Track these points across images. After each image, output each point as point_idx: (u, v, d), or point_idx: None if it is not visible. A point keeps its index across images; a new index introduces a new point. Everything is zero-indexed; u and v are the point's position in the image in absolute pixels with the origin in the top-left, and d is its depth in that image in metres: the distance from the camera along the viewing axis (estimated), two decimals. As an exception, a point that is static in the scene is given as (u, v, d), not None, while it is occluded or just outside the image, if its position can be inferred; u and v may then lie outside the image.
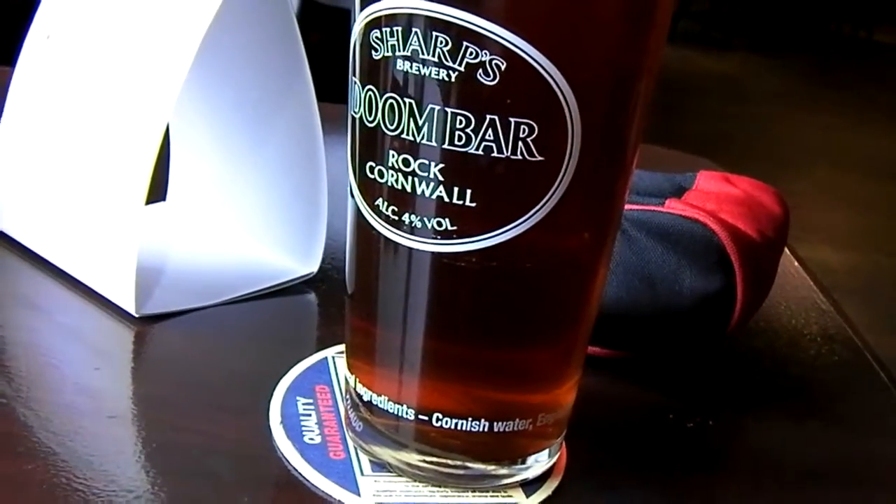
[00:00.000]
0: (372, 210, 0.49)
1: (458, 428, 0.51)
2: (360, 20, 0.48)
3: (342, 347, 0.64)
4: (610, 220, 0.51)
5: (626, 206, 0.65)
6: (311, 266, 0.73)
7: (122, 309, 0.67)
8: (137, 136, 0.66)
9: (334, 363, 0.62)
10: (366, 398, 0.53)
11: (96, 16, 0.71)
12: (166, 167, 0.83)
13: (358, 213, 0.50)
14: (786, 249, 0.90)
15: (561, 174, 0.46)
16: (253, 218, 0.77)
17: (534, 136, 0.45)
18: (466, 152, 0.46)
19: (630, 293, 0.63)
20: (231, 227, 0.78)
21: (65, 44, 0.73)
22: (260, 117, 0.74)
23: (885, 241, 4.95)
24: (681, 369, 0.68)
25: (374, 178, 0.49)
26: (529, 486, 0.54)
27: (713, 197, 0.68)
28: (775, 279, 0.72)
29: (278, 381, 0.61)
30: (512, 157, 0.46)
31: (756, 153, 5.80)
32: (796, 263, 0.92)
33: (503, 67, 0.45)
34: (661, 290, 0.63)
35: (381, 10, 0.47)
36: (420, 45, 0.46)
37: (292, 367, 0.62)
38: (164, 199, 0.83)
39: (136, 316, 0.66)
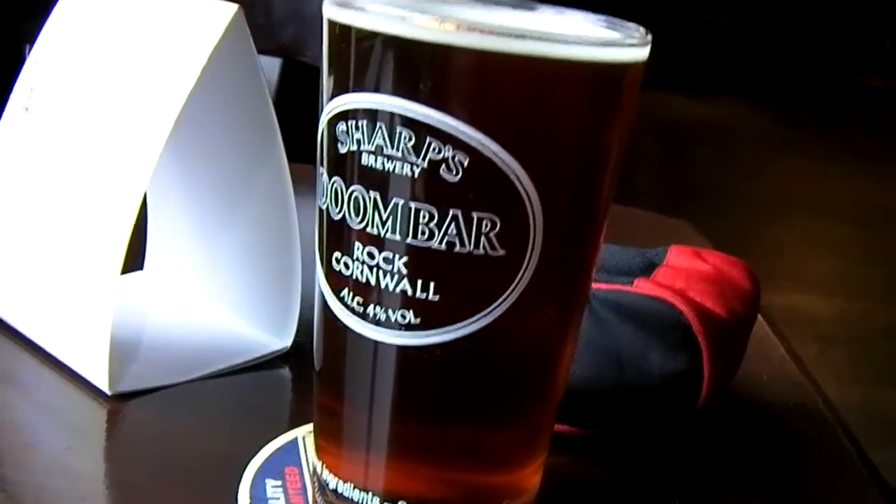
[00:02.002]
0: (338, 300, 0.50)
1: (425, 514, 0.51)
2: (327, 113, 0.49)
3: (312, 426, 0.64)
4: (574, 307, 0.52)
5: (595, 286, 0.65)
6: (285, 341, 0.74)
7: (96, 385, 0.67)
8: (113, 209, 0.66)
9: (304, 444, 0.63)
10: (332, 486, 0.53)
11: (74, 89, 0.72)
12: (144, 236, 0.83)
13: (324, 302, 0.51)
14: (761, 319, 0.91)
15: (523, 268, 0.47)
16: (228, 291, 0.77)
17: (496, 230, 0.46)
18: (430, 247, 0.46)
19: (598, 372, 0.63)
20: (206, 300, 0.79)
21: (43, 116, 0.73)
22: (234, 191, 0.75)
23: (871, 289, 4.96)
24: (649, 447, 0.68)
25: (340, 270, 0.49)
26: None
27: (683, 273, 0.69)
28: (747, 351, 0.73)
29: (248, 461, 0.61)
30: (475, 251, 0.46)
31: (741, 200, 5.82)
32: (770, 333, 0.92)
33: (466, 163, 0.45)
34: (628, 368, 0.63)
35: (346, 105, 0.47)
36: (384, 140, 0.46)
37: (263, 446, 0.62)
38: (141, 267, 0.84)
39: (110, 394, 0.66)
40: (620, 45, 0.48)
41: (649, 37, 0.50)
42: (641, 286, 0.65)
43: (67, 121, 0.72)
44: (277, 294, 0.73)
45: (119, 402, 0.66)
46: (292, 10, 1.37)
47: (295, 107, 1.24)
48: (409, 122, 0.46)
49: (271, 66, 1.40)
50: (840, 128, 7.92)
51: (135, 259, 0.83)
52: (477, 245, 0.46)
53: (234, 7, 0.66)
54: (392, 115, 0.46)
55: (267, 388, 0.72)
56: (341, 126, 0.48)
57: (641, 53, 0.49)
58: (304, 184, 0.71)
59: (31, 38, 0.78)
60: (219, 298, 0.78)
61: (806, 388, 0.82)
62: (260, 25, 1.39)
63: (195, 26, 0.66)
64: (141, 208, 0.66)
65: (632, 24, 0.52)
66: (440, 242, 0.46)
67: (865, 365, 4.16)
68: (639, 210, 1.22)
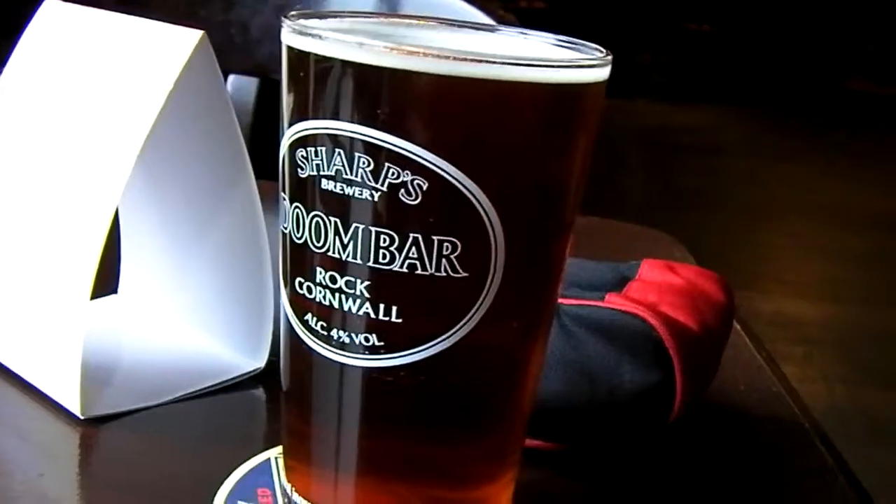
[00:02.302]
0: (302, 324, 0.50)
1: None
2: (287, 138, 0.49)
3: (285, 448, 0.64)
4: (540, 324, 0.52)
5: (567, 301, 0.66)
6: (259, 361, 0.74)
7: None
8: (82, 234, 0.66)
9: (276, 465, 0.63)
10: (302, 508, 0.53)
11: (41, 116, 0.72)
12: (118, 259, 0.83)
13: (289, 325, 0.51)
14: (739, 328, 0.91)
15: (486, 289, 0.47)
16: (201, 313, 0.78)
17: (457, 253, 0.46)
18: (391, 270, 0.46)
19: (569, 387, 0.63)
20: (180, 322, 0.79)
21: (10, 143, 0.73)
22: (204, 213, 0.75)
23: (859, 292, 4.97)
24: (622, 461, 0.68)
25: (304, 294, 0.49)
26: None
27: (655, 287, 0.69)
28: (724, 360, 0.73)
29: (221, 483, 0.61)
30: (436, 273, 0.46)
31: (728, 206, 5.84)
32: (749, 342, 0.92)
33: (425, 187, 0.45)
34: (600, 384, 0.63)
35: (305, 130, 0.48)
36: (343, 166, 0.46)
37: (236, 468, 0.62)
38: (115, 291, 0.84)
39: (83, 419, 0.66)
40: (578, 65, 0.48)
41: (609, 57, 0.50)
42: (613, 301, 0.66)
43: (35, 147, 0.72)
44: (250, 315, 0.74)
45: (92, 426, 0.66)
46: (268, 29, 1.38)
47: (271, 125, 1.25)
48: (367, 148, 0.46)
49: (248, 84, 1.39)
50: (825, 132, 7.94)
51: (109, 282, 0.83)
52: (438, 268, 0.46)
53: (200, 33, 0.66)
54: (350, 140, 0.46)
55: (240, 408, 0.72)
56: (301, 151, 0.48)
57: (601, 73, 0.49)
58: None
59: (4, 58, 0.78)
60: (192, 320, 0.78)
61: (783, 398, 0.82)
62: (237, 45, 1.40)
63: (162, 52, 0.67)
64: (114, 232, 0.67)
65: (592, 45, 0.52)
66: (401, 266, 0.46)
67: (852, 367, 4.17)
68: (617, 221, 1.22)
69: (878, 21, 9.87)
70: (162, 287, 0.81)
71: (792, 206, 6.01)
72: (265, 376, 0.74)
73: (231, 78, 1.39)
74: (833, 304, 4.79)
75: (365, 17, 0.55)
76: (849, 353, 4.26)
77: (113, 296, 0.83)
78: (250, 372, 0.74)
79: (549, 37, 0.54)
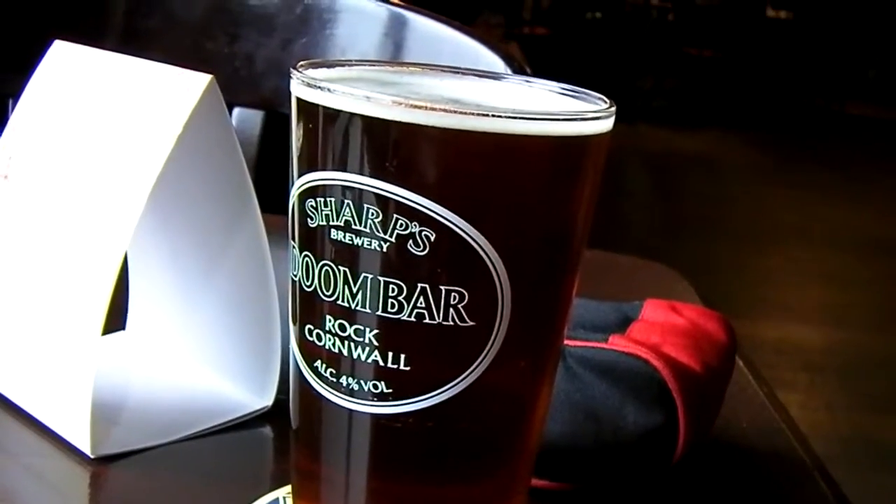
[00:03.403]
0: (311, 370, 0.51)
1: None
2: (296, 188, 0.50)
3: (293, 488, 0.65)
4: (546, 368, 0.53)
5: (572, 343, 0.66)
6: (266, 400, 0.74)
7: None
8: (93, 274, 0.67)
9: (285, 505, 0.63)
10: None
11: (53, 156, 0.73)
12: (126, 296, 0.84)
13: (299, 370, 0.52)
14: (742, 365, 0.91)
15: (493, 337, 0.48)
16: (209, 351, 0.78)
17: (464, 302, 0.47)
18: (399, 319, 0.47)
19: (575, 428, 0.64)
20: (188, 361, 0.79)
21: (22, 183, 0.74)
22: (212, 253, 0.76)
23: (862, 317, 4.97)
24: (626, 500, 0.69)
25: (313, 341, 0.50)
26: None
27: (658, 328, 0.70)
28: (727, 397, 0.74)
29: (230, 524, 0.61)
30: (444, 322, 0.47)
31: (730, 231, 5.84)
32: (752, 379, 0.93)
33: (433, 238, 0.46)
34: (605, 424, 0.64)
35: (315, 181, 0.49)
36: (353, 216, 0.47)
37: (245, 508, 0.63)
38: (124, 327, 0.84)
39: (93, 457, 0.67)
40: (583, 118, 0.49)
41: (613, 108, 0.51)
42: (616, 343, 0.66)
43: (46, 187, 0.73)
44: (258, 353, 0.74)
45: (102, 464, 0.67)
46: (274, 62, 1.38)
47: (277, 158, 1.26)
48: (375, 199, 0.47)
49: (253, 117, 1.40)
50: (827, 157, 7.95)
51: (118, 318, 0.84)
52: (446, 317, 0.47)
53: (208, 77, 0.67)
54: (359, 191, 0.47)
55: (249, 447, 0.73)
56: (310, 202, 0.49)
57: (605, 125, 0.50)
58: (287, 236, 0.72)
59: (16, 93, 0.79)
60: (200, 359, 0.79)
61: (785, 435, 0.83)
62: (242, 78, 1.41)
63: (172, 95, 0.68)
64: (123, 269, 0.67)
65: (596, 94, 0.53)
66: (409, 315, 0.47)
67: (856, 393, 4.17)
68: (619, 255, 1.23)
69: (879, 46, 9.90)
70: (170, 324, 0.81)
71: (794, 231, 6.01)
72: (273, 415, 0.75)
73: (236, 111, 1.40)
74: (836, 329, 4.79)
75: (371, 65, 0.56)
76: (853, 380, 4.26)
77: (121, 332, 0.84)
78: (258, 410, 0.74)
79: (554, 85, 0.55)
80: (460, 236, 0.46)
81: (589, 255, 1.24)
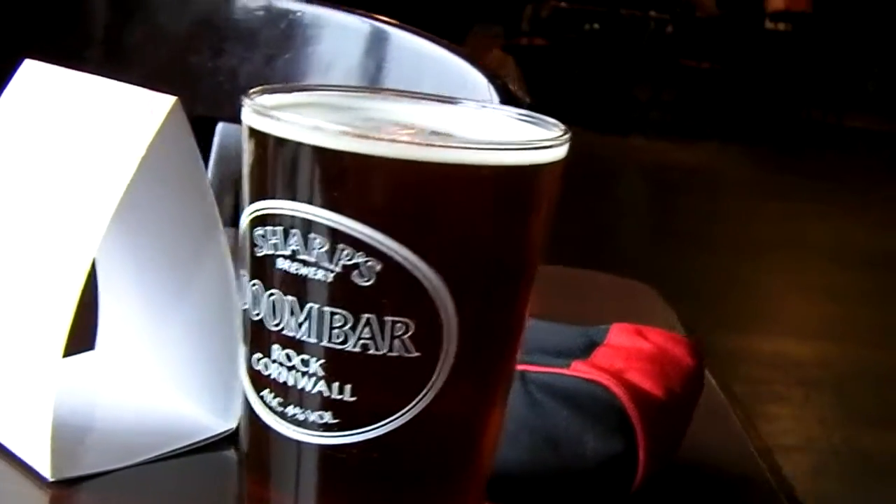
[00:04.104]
0: (259, 399, 0.50)
1: None
2: (246, 215, 0.50)
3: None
4: (496, 395, 0.52)
5: (533, 368, 0.66)
6: (231, 422, 0.74)
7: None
8: (55, 295, 0.67)
9: (242, 531, 0.63)
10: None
11: (17, 175, 0.73)
12: (96, 315, 0.84)
13: (247, 399, 0.52)
14: (716, 387, 0.91)
15: (439, 368, 0.48)
16: (174, 373, 0.78)
17: (410, 333, 0.47)
18: (345, 349, 0.47)
19: (534, 455, 0.64)
20: (153, 382, 0.79)
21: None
22: (179, 273, 0.75)
23: (857, 331, 4.97)
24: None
25: (260, 370, 0.50)
26: None
27: (623, 353, 0.69)
28: (696, 422, 0.73)
29: (187, 550, 0.61)
30: (389, 353, 0.47)
31: (724, 245, 5.84)
32: (727, 402, 0.92)
33: (378, 269, 0.46)
34: (564, 452, 0.64)
35: (263, 209, 0.48)
36: (300, 245, 0.47)
37: (204, 533, 0.63)
38: (93, 347, 0.84)
39: (52, 480, 0.67)
40: (534, 147, 0.49)
41: (567, 136, 0.50)
42: (578, 369, 0.66)
43: (9, 208, 0.72)
44: (222, 375, 0.74)
45: (62, 488, 0.67)
46: (257, 77, 1.38)
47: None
48: (322, 229, 0.46)
49: (237, 131, 1.40)
50: (825, 170, 7.96)
51: (87, 338, 0.83)
52: (391, 348, 0.47)
53: (173, 99, 0.67)
54: (307, 221, 0.47)
55: (212, 470, 0.73)
56: (259, 230, 0.49)
57: (557, 153, 0.50)
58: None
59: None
60: (165, 381, 0.78)
61: (754, 460, 0.83)
62: (225, 92, 1.40)
63: (136, 117, 0.67)
64: (92, 289, 0.67)
65: (552, 121, 0.53)
66: (355, 345, 0.47)
67: (851, 408, 4.17)
68: (597, 272, 1.23)
69: (878, 59, 9.91)
70: (137, 345, 0.81)
71: (791, 244, 6.01)
72: (236, 437, 0.74)
73: (219, 125, 1.39)
74: (831, 343, 4.79)
75: (330, 89, 0.56)
76: (848, 394, 4.25)
77: (90, 352, 0.84)
78: (222, 433, 0.74)
79: (511, 110, 0.55)
80: (406, 267, 0.46)
81: (568, 273, 1.24)
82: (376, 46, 1.34)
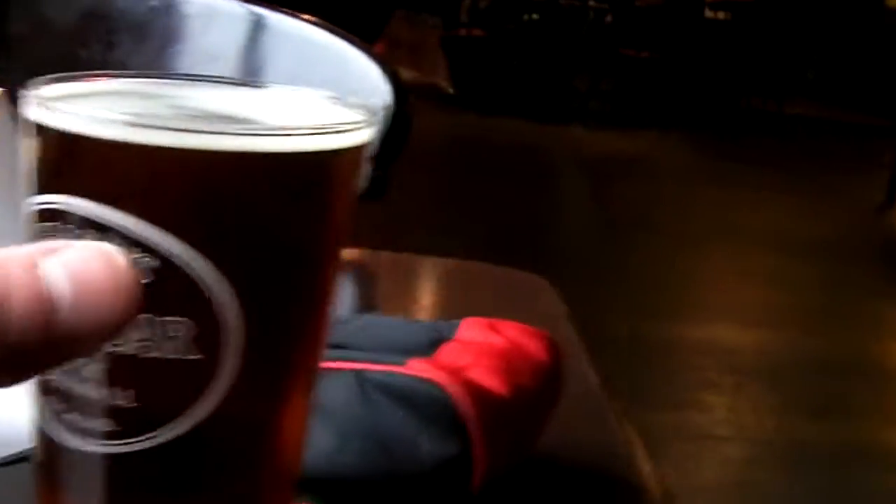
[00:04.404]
0: (44, 407, 0.48)
1: None
2: (24, 212, 0.47)
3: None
4: (295, 396, 0.49)
5: (369, 367, 0.64)
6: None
7: None
8: None
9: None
10: None
11: None
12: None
13: (35, 407, 0.49)
14: (596, 383, 0.89)
15: (222, 369, 0.45)
16: None
17: (189, 334, 0.44)
18: (124, 353, 0.44)
19: (367, 459, 0.61)
20: None
21: None
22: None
23: (793, 319, 4.99)
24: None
25: (45, 376, 0.47)
26: None
27: (473, 349, 0.67)
28: (568, 418, 0.72)
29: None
30: (169, 356, 0.44)
31: (662, 233, 5.85)
32: (604, 398, 0.91)
33: (156, 267, 0.43)
34: (398, 454, 0.61)
35: (42, 204, 0.46)
36: (72, 242, 0.44)
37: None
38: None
39: None
40: (325, 132, 0.46)
41: (368, 119, 0.48)
42: (414, 367, 0.64)
43: None
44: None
45: None
46: (147, 69, 1.35)
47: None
48: (94, 225, 0.44)
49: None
50: (765, 157, 8.00)
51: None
52: (170, 350, 0.44)
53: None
54: (79, 217, 0.44)
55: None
56: (38, 227, 0.46)
57: (355, 138, 0.47)
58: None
59: None
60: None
61: (623, 457, 0.81)
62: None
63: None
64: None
65: (365, 104, 0.50)
66: (133, 348, 0.44)
67: (785, 396, 4.18)
68: (491, 265, 1.21)
69: (818, 47, 9.98)
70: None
71: (729, 231, 6.04)
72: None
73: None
74: (766, 330, 4.81)
75: (131, 77, 0.53)
76: (783, 383, 4.27)
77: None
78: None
79: (323, 93, 0.52)
80: (183, 264, 0.43)
81: (463, 266, 1.22)
82: (263, 35, 1.31)
